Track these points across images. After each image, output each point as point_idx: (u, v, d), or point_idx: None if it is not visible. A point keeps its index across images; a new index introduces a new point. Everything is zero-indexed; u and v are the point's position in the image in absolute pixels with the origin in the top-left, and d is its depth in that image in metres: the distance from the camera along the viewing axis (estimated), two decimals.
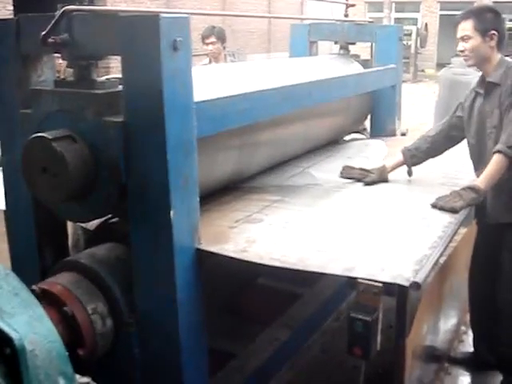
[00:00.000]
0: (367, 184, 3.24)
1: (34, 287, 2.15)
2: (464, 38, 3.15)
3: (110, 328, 2.28)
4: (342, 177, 3.36)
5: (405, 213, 2.76)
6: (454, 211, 2.73)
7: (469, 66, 3.32)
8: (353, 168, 3.39)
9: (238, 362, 2.98)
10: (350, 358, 2.61)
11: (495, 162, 2.93)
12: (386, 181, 3.28)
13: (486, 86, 3.19)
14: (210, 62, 5.72)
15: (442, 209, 2.74)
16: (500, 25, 3.16)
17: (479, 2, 26.64)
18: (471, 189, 2.85)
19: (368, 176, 3.29)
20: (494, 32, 3.10)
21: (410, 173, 3.35)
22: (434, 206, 2.78)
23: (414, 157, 3.35)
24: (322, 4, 16.85)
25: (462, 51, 3.19)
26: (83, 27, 2.17)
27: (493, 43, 3.12)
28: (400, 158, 3.37)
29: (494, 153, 2.94)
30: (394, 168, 3.36)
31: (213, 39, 5.71)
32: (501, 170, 2.93)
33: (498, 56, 3.17)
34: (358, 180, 3.29)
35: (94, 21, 2.17)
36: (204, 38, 5.74)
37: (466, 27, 3.13)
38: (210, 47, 5.68)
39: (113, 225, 2.61)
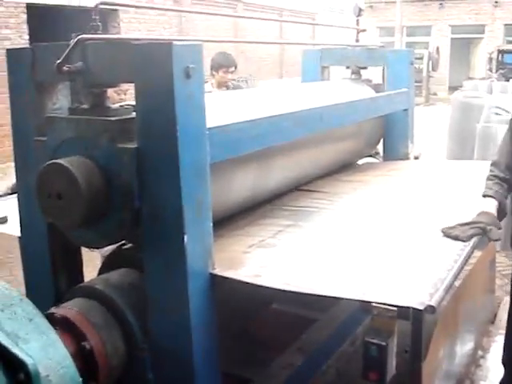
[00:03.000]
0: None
1: (48, 313, 2.16)
2: None
3: (124, 353, 2.28)
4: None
5: (420, 236, 2.74)
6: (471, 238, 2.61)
7: None
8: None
9: None
10: (365, 383, 2.59)
11: None
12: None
13: None
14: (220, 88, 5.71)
15: (456, 239, 2.60)
16: None
17: (490, 26, 26.77)
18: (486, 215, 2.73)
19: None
20: None
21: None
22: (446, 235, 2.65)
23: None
24: (333, 29, 16.98)
25: None
26: (97, 55, 2.20)
27: None
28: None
29: None
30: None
31: (233, 68, 5.80)
32: None
33: None
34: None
35: (108, 49, 2.20)
36: (225, 66, 5.74)
37: None
38: (230, 76, 5.76)
39: (127, 250, 2.62)
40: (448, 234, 2.63)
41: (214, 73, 5.76)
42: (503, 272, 5.54)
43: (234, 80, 5.75)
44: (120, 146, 2.18)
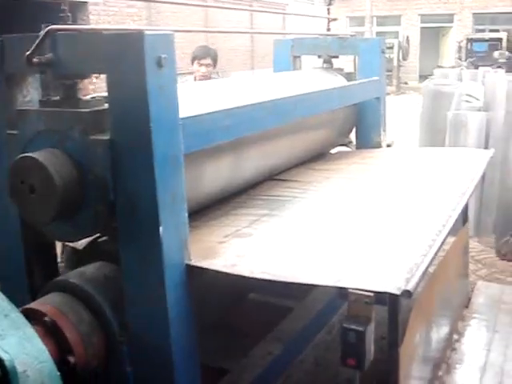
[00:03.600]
0: None
1: (24, 308, 2.14)
2: None
3: (102, 347, 2.27)
4: None
5: (395, 222, 2.76)
6: None
7: None
8: None
9: (231, 377, 2.97)
10: (343, 370, 2.60)
11: None
12: None
13: None
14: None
15: None
16: None
17: (459, 14, 27.00)
18: None
19: None
20: None
21: None
22: None
23: None
24: (302, 20, 17.00)
25: None
26: (68, 46, 2.18)
27: None
28: None
29: None
30: None
31: (209, 61, 5.58)
32: None
33: None
34: None
35: (79, 40, 2.18)
36: (198, 58, 5.57)
37: None
38: (203, 69, 5.53)
39: (102, 243, 2.60)
40: None
41: (192, 66, 5.68)
42: (476, 257, 5.63)
43: (205, 74, 5.54)
44: (93, 137, 2.17)
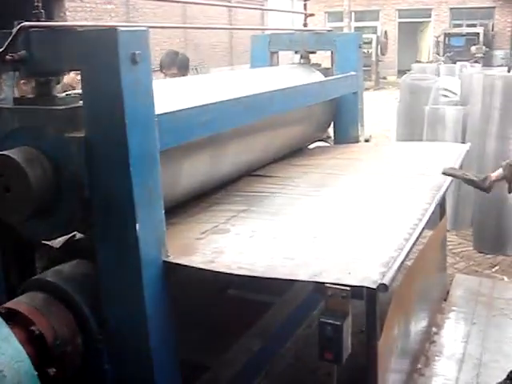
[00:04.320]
0: (466, 182, 3.23)
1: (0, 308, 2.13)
2: None
3: (80, 345, 2.26)
4: (445, 173, 3.28)
5: (370, 216, 2.78)
6: None
7: None
8: (456, 169, 3.34)
9: (212, 373, 2.97)
10: (323, 365, 2.62)
11: None
12: (485, 190, 3.18)
13: None
14: None
15: None
16: None
17: (437, 9, 27.13)
18: None
19: (468, 176, 3.22)
20: None
21: (509, 189, 3.14)
22: None
23: None
24: (282, 15, 17.00)
25: None
26: (41, 43, 2.16)
27: None
28: (501, 171, 3.17)
29: None
30: (496, 180, 3.17)
31: (175, 71, 5.34)
32: None
33: None
34: (462, 179, 3.26)
35: (52, 36, 2.16)
36: (164, 67, 5.38)
37: None
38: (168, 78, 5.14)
39: (78, 241, 2.59)
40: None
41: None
42: (454, 250, 5.67)
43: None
44: (67, 135, 2.15)
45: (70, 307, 2.26)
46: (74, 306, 2.26)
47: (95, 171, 2.14)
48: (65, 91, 2.52)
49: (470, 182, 3.21)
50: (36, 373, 1.77)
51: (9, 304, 2.20)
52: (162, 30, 16.24)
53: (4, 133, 2.26)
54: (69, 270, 2.40)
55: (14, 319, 2.10)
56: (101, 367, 2.29)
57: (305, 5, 4.77)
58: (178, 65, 5.45)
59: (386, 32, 25.24)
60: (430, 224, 3.04)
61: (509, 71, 9.21)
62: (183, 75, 5.36)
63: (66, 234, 2.49)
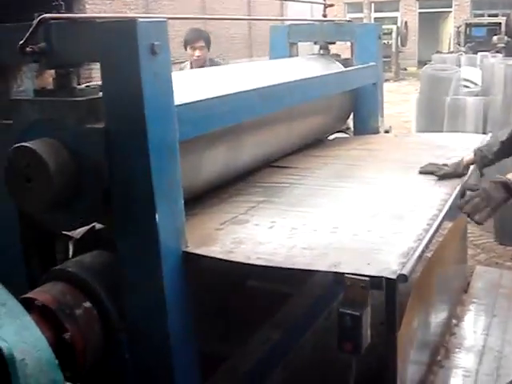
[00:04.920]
0: (440, 177, 3.18)
1: (22, 298, 2.15)
2: None
3: (100, 335, 2.27)
4: (421, 172, 3.28)
5: (390, 207, 2.76)
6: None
7: None
8: (430, 164, 3.31)
9: (230, 364, 2.98)
10: (342, 356, 2.61)
11: None
12: (460, 176, 3.19)
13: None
14: (192, 68, 5.41)
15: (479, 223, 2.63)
16: None
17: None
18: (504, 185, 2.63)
19: (442, 169, 3.22)
20: None
21: (480, 174, 3.17)
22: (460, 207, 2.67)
23: (485, 158, 3.13)
24: (302, 6, 16.92)
25: None
26: (61, 35, 2.17)
27: None
28: (472, 156, 3.20)
29: None
30: (468, 164, 3.21)
31: (202, 43, 5.44)
32: None
33: None
34: (432, 173, 3.22)
35: (72, 28, 2.17)
36: (191, 41, 5.44)
37: None
38: (197, 53, 5.40)
39: (98, 232, 2.61)
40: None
41: (186, 51, 5.57)
42: (475, 242, 5.63)
43: (200, 58, 5.38)
44: (88, 126, 2.17)
45: (91, 297, 2.28)
46: (94, 296, 2.28)
47: (115, 162, 2.15)
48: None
49: (443, 176, 3.19)
50: (57, 361, 1.79)
51: (30, 294, 2.22)
52: (181, 22, 16.25)
53: (25, 124, 2.27)
54: (89, 261, 2.42)
55: (36, 309, 2.12)
56: (121, 357, 2.31)
57: None
58: (204, 37, 5.45)
59: (406, 22, 25.05)
60: (451, 215, 3.02)
61: None
62: (208, 49, 5.44)
63: (87, 225, 2.51)
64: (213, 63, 5.60)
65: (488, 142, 3.29)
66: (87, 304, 2.26)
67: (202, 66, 5.40)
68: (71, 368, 2.13)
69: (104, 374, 2.36)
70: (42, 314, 2.13)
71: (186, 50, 5.51)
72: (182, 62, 5.79)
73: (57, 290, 2.25)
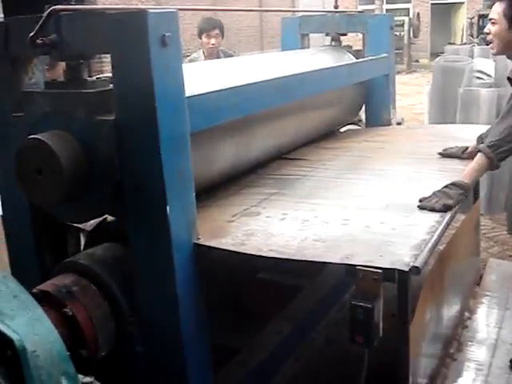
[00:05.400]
0: (442, 155, 3.42)
1: (34, 290, 2.15)
2: (492, 21, 2.99)
3: (112, 327, 2.28)
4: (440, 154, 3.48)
5: (403, 198, 2.74)
6: (447, 209, 2.59)
7: (494, 54, 3.20)
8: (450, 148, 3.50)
9: (242, 356, 2.98)
10: (354, 348, 2.60)
11: (476, 161, 2.87)
12: (460, 158, 3.32)
13: (509, 80, 3.08)
14: (205, 57, 5.44)
15: (433, 210, 2.58)
16: None
17: None
18: (457, 185, 2.73)
19: (448, 149, 3.43)
20: None
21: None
22: (422, 208, 2.62)
23: (481, 139, 3.17)
24: None
25: (487, 34, 3.05)
26: (71, 27, 2.16)
27: None
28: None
29: (478, 151, 2.90)
30: (472, 151, 3.22)
31: (217, 31, 5.45)
32: (482, 168, 2.87)
33: None
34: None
35: (82, 20, 2.16)
36: (206, 30, 5.45)
37: (496, 10, 2.96)
38: (213, 41, 5.41)
39: (110, 224, 2.61)
40: (424, 206, 2.64)
41: (200, 40, 5.57)
42: (488, 235, 5.60)
43: (215, 46, 5.43)
44: (98, 118, 2.16)
45: (102, 289, 2.28)
46: (106, 289, 2.28)
47: (126, 154, 2.14)
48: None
49: (446, 155, 3.43)
50: (68, 353, 1.79)
51: (42, 286, 2.22)
52: (193, 15, 16.23)
53: (36, 117, 2.27)
54: (101, 253, 2.42)
55: (47, 301, 2.13)
56: (133, 349, 2.31)
57: None
58: (219, 25, 5.52)
59: (418, 14, 24.89)
60: (464, 208, 3.00)
61: None
62: (222, 38, 5.50)
63: (98, 217, 2.51)
64: (225, 54, 5.64)
65: (488, 129, 3.28)
66: (99, 296, 2.27)
67: (215, 55, 5.46)
68: (81, 359, 2.13)
69: (116, 367, 2.36)
70: (54, 306, 2.14)
71: (200, 38, 5.54)
72: (189, 54, 5.83)
73: (69, 283, 2.25)
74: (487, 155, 2.82)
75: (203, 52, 5.51)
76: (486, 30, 3.06)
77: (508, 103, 2.93)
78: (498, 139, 2.84)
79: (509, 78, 3.10)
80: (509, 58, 3.14)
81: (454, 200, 2.64)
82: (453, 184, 2.74)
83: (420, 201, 2.66)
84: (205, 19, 5.72)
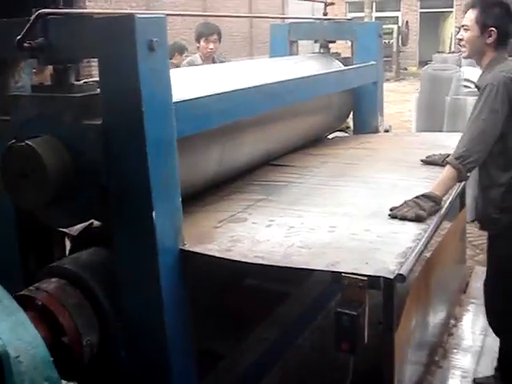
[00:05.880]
0: (424, 162, 3.49)
1: (17, 295, 2.13)
2: (464, 27, 3.02)
3: (96, 332, 2.26)
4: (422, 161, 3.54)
5: (389, 206, 2.75)
6: (419, 220, 2.56)
7: (464, 57, 3.24)
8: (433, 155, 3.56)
9: (228, 362, 2.97)
10: (341, 355, 2.61)
11: (445, 172, 2.86)
12: (440, 165, 3.27)
13: (477, 88, 3.12)
14: (202, 61, 5.51)
15: (404, 218, 2.57)
16: (505, 23, 2.97)
17: None
18: (428, 197, 2.72)
19: (431, 157, 3.49)
20: (492, 29, 2.93)
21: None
22: (393, 216, 2.61)
23: None
24: (303, 5, 16.91)
25: (460, 40, 3.06)
26: (59, 30, 2.16)
27: (490, 40, 2.95)
28: None
29: (446, 163, 2.91)
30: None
31: (216, 36, 5.56)
32: (451, 180, 2.85)
33: (492, 55, 3.00)
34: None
35: (69, 23, 2.15)
36: (205, 34, 5.55)
37: (469, 17, 2.99)
38: (211, 46, 5.51)
39: (96, 229, 2.60)
40: (395, 214, 2.62)
41: (197, 45, 5.65)
42: (474, 242, 5.61)
43: (213, 51, 5.51)
44: (85, 122, 2.15)
45: (87, 294, 2.27)
46: (90, 293, 2.27)
47: (112, 159, 2.13)
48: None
49: (428, 162, 3.49)
50: (52, 359, 1.77)
51: (26, 291, 2.21)
52: (183, 21, 16.24)
53: (22, 120, 2.26)
54: (86, 258, 2.41)
55: (31, 305, 2.11)
56: (117, 354, 2.30)
57: None
58: (217, 31, 5.61)
59: (407, 22, 25.03)
60: (450, 215, 3.01)
61: None
62: (220, 42, 5.64)
63: (84, 222, 2.49)
64: (219, 60, 5.80)
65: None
66: (83, 301, 2.25)
67: (211, 60, 5.59)
68: (66, 365, 2.12)
69: (100, 372, 2.35)
70: (38, 311, 2.12)
71: (198, 42, 5.61)
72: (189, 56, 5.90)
73: (53, 287, 2.24)
74: (455, 167, 2.82)
75: (200, 56, 5.56)
76: (459, 36, 3.09)
77: (473, 111, 2.93)
78: (464, 150, 2.84)
79: (476, 86, 3.11)
80: (477, 64, 3.16)
81: (427, 212, 2.62)
82: (424, 195, 2.73)
83: (391, 210, 2.65)
84: (204, 24, 5.82)
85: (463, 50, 3.09)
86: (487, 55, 3.02)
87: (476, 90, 3.15)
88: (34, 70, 3.00)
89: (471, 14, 2.99)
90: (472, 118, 2.90)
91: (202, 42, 5.58)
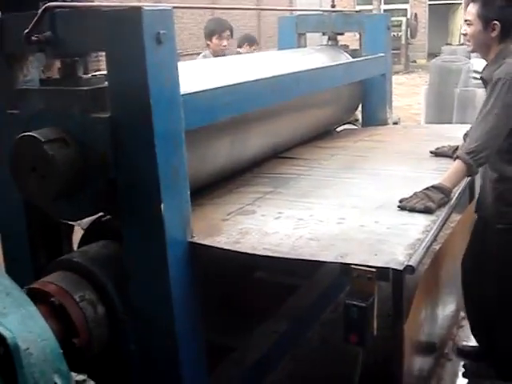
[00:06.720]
0: (434, 153, 3.47)
1: (27, 287, 2.14)
2: (467, 22, 3.00)
3: (106, 325, 2.27)
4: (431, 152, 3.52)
5: (398, 198, 2.74)
6: (428, 211, 2.55)
7: (469, 51, 3.22)
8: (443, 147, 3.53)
9: (237, 355, 2.97)
10: (350, 348, 2.60)
11: (455, 167, 2.84)
12: (450, 157, 3.21)
13: (482, 81, 3.10)
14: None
15: (413, 210, 2.56)
16: (507, 14, 2.93)
17: None
18: (437, 188, 2.69)
19: (441, 148, 3.47)
20: (495, 22, 2.91)
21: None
22: (402, 208, 2.60)
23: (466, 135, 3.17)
24: None
25: (464, 35, 3.05)
26: (66, 24, 2.15)
27: (494, 34, 2.93)
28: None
29: (456, 157, 2.89)
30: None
31: (228, 33, 5.53)
32: (461, 174, 2.83)
33: (498, 49, 2.98)
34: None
35: (77, 17, 2.15)
36: (218, 31, 5.50)
37: (470, 11, 2.97)
38: (225, 42, 5.47)
39: (105, 222, 2.60)
40: (404, 206, 2.61)
41: (208, 42, 5.59)
42: None
43: (226, 48, 5.45)
44: (93, 115, 2.15)
45: (96, 287, 2.27)
46: (99, 286, 2.27)
47: (121, 151, 2.13)
48: None
49: (438, 153, 3.47)
50: (61, 351, 1.78)
51: (36, 283, 2.22)
52: (191, 15, 16.20)
53: (31, 114, 2.27)
54: (95, 251, 2.42)
55: (41, 298, 2.12)
56: (126, 347, 2.31)
57: None
58: (229, 27, 5.60)
59: (415, 14, 24.89)
60: (459, 208, 3.00)
61: None
62: (227, 38, 5.57)
63: (93, 215, 2.50)
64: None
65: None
66: (93, 294, 2.26)
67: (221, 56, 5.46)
68: (76, 359, 2.12)
69: (109, 365, 2.35)
70: (47, 304, 2.13)
71: (209, 40, 5.55)
72: (198, 54, 5.86)
73: (62, 280, 2.25)
74: (466, 162, 2.81)
75: (211, 53, 5.51)
76: (462, 31, 3.07)
77: (484, 106, 2.91)
78: (476, 145, 2.82)
79: (482, 78, 3.09)
80: (483, 58, 3.13)
81: (436, 204, 2.61)
82: (433, 187, 2.71)
83: (400, 201, 2.64)
84: (214, 21, 5.76)
85: (468, 44, 3.07)
86: (493, 49, 3.00)
87: None
88: (42, 69, 3.00)
89: (472, 9, 2.97)
90: (484, 112, 2.88)
91: (215, 40, 5.52)
